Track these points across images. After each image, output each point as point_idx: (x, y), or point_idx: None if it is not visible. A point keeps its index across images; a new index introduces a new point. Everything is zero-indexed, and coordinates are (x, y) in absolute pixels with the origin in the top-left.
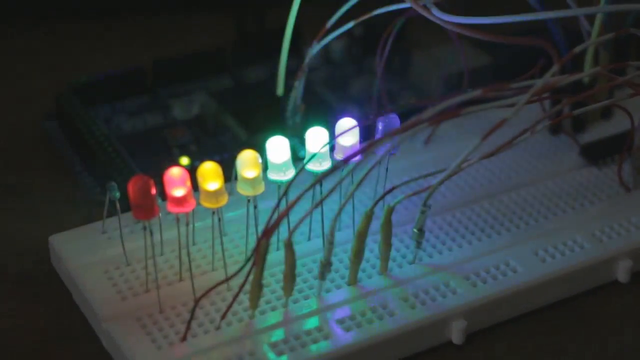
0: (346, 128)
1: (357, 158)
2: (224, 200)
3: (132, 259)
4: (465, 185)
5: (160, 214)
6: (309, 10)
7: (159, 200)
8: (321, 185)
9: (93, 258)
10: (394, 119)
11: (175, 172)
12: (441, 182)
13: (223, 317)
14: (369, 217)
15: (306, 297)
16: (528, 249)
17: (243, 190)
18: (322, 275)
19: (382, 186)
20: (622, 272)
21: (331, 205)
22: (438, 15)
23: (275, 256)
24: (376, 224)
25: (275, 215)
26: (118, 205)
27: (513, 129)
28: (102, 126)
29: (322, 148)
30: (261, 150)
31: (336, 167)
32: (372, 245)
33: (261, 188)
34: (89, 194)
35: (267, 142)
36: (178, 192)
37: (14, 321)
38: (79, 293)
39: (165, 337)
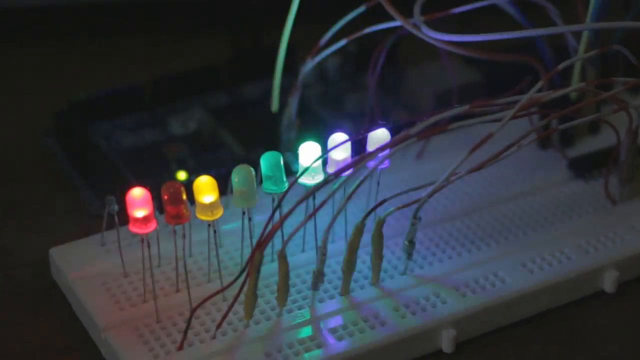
0: (338, 143)
1: (349, 171)
2: (220, 212)
3: (130, 271)
4: (455, 198)
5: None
6: (303, 28)
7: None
8: (314, 198)
9: (92, 270)
10: None
11: (171, 188)
12: (430, 195)
13: (218, 326)
14: (360, 229)
15: (300, 307)
16: (516, 260)
17: (238, 203)
18: (315, 286)
19: (374, 199)
20: (608, 282)
21: (324, 218)
22: (427, 33)
23: (270, 267)
24: (368, 236)
25: (269, 228)
26: (116, 218)
27: (503, 143)
28: (102, 142)
29: (314, 162)
30: (256, 165)
31: (328, 180)
32: (364, 257)
33: (255, 201)
34: (88, 207)
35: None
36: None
37: (14, 332)
38: (78, 304)
39: (162, 346)
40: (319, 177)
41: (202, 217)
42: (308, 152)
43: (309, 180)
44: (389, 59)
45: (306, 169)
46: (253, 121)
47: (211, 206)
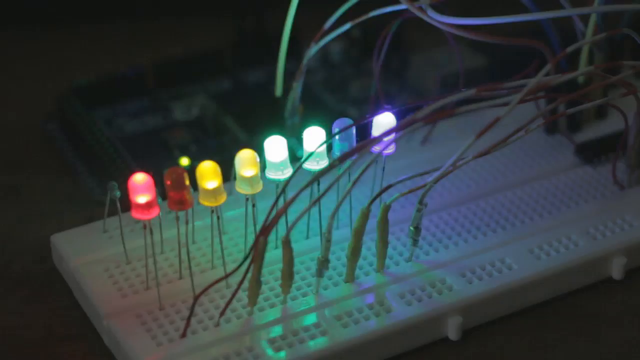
0: (343, 128)
1: (354, 157)
2: (223, 198)
3: (133, 258)
4: (461, 183)
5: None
6: (307, 12)
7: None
8: (319, 184)
9: (94, 256)
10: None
11: (174, 173)
12: (437, 180)
13: (222, 314)
14: (365, 214)
15: (304, 294)
16: (523, 247)
17: (242, 189)
18: (320, 273)
19: (379, 185)
20: (616, 269)
21: (329, 205)
22: (433, 17)
23: (274, 254)
24: (373, 223)
25: (274, 214)
26: (119, 204)
27: (509, 128)
28: (103, 127)
29: (319, 147)
30: (260, 151)
31: (332, 165)
32: (370, 243)
33: (259, 187)
34: (90, 194)
35: (265, 142)
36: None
37: (16, 319)
38: (80, 291)
39: (165, 333)
40: (324, 163)
41: (206, 203)
42: (312, 137)
43: (314, 165)
44: (394, 43)
45: (311, 154)
46: (256, 106)
47: (214, 192)
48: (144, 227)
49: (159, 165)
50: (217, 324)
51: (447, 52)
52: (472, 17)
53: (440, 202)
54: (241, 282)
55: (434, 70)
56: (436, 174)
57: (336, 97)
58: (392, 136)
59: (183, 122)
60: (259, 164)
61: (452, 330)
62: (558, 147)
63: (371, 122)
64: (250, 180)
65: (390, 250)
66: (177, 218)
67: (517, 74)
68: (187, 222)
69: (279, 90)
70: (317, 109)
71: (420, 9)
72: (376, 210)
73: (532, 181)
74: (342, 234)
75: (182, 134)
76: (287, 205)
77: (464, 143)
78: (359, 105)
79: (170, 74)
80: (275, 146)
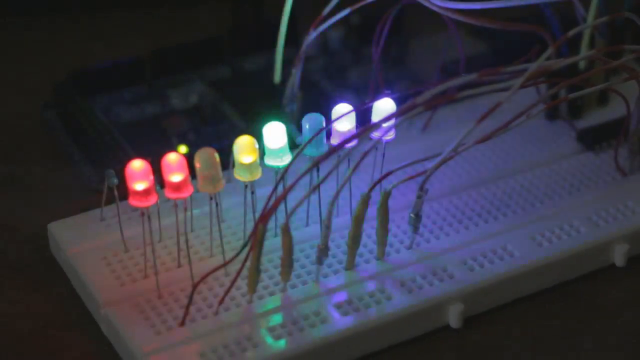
0: (342, 114)
1: (353, 143)
2: (258, 174)
3: (131, 246)
4: (462, 170)
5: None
6: None
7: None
8: (318, 170)
9: (92, 245)
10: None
11: (172, 158)
12: (437, 166)
13: (221, 302)
14: (365, 201)
15: (304, 283)
16: (525, 234)
17: (240, 176)
18: (320, 260)
19: (379, 172)
20: (618, 256)
21: (329, 192)
22: (433, 1)
23: (274, 242)
24: (373, 210)
25: (273, 200)
26: (116, 192)
27: (510, 114)
28: (101, 115)
29: (317, 133)
30: (259, 138)
31: (332, 151)
32: (370, 231)
33: (258, 173)
34: (87, 182)
35: (264, 128)
36: (175, 177)
37: (14, 309)
38: (78, 280)
39: (163, 322)
40: (323, 149)
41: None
42: (311, 123)
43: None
44: (394, 29)
45: (310, 140)
46: (255, 93)
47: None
48: (142, 214)
49: (156, 153)
50: (216, 313)
51: (447, 38)
52: (472, 2)
53: (441, 189)
54: (240, 270)
55: (433, 57)
56: (437, 160)
57: (335, 84)
58: (391, 122)
59: (181, 109)
60: (257, 151)
61: (453, 318)
62: (559, 134)
63: (371, 108)
64: (249, 167)
65: (390, 238)
66: (176, 205)
67: (517, 60)
68: (185, 210)
69: (277, 77)
70: (316, 96)
71: None
72: (376, 197)
73: (534, 167)
74: (343, 222)
75: (180, 121)
76: (286, 192)
77: (464, 130)
78: (357, 92)
79: (168, 61)
80: (274, 132)
